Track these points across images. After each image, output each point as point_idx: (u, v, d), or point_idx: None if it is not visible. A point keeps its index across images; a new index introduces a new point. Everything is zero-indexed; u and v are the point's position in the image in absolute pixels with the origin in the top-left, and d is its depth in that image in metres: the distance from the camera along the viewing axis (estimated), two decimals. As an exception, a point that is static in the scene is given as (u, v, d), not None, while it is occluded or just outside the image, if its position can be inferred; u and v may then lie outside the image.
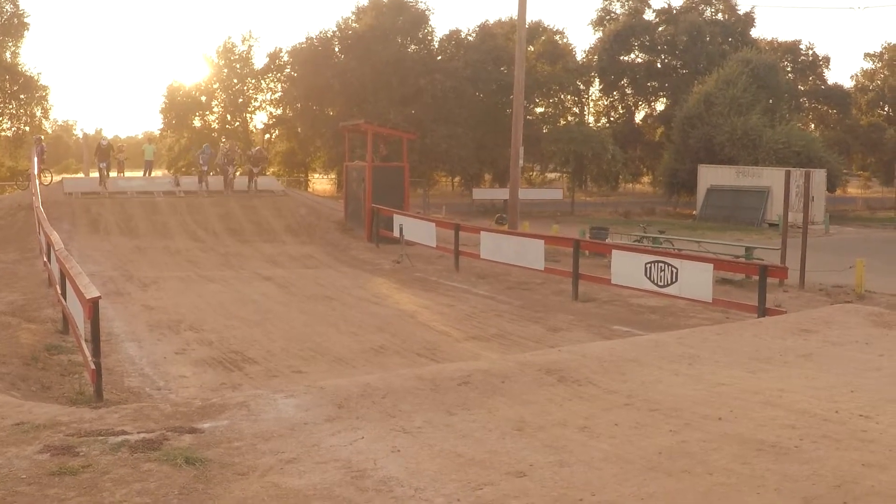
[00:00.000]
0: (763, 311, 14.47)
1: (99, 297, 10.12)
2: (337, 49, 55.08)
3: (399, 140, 33.05)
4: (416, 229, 25.43)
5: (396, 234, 26.17)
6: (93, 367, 9.81)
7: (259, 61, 58.15)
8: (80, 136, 75.26)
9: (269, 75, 57.55)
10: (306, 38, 55.86)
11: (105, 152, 33.86)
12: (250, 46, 57.21)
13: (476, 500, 5.24)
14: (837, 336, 9.88)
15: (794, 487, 5.45)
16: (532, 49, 57.04)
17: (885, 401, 7.31)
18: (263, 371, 12.09)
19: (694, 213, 48.79)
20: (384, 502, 5.24)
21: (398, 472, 5.69)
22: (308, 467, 5.79)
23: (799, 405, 7.21)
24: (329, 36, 55.24)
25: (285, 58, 56.61)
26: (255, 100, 58.37)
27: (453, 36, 57.61)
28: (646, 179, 64.12)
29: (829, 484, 5.51)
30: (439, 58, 56.13)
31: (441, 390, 7.72)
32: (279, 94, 57.38)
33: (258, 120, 59.91)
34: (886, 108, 67.85)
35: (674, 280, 16.21)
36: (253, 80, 57.42)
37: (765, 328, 10.62)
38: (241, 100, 57.21)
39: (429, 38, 56.53)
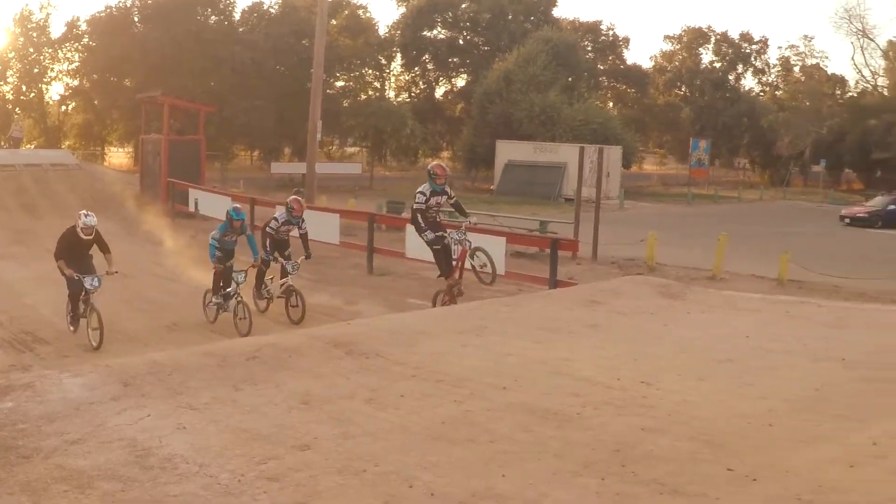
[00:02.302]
0: (554, 283, 14.76)
1: None
2: (136, 18, 52.89)
3: (197, 112, 32.07)
4: (212, 203, 24.68)
5: (192, 208, 25.35)
6: None
7: (57, 30, 55.01)
8: None
9: (67, 45, 54.53)
10: (105, 7, 53.26)
11: None
12: (48, 14, 54.00)
13: (260, 474, 5.09)
14: (625, 307, 10.11)
15: (574, 453, 5.50)
16: (335, 23, 56.41)
17: (666, 368, 7.51)
18: (55, 351, 11.47)
19: (492, 187, 49.62)
20: (168, 480, 5.02)
21: (183, 450, 5.45)
22: (93, 447, 5.48)
23: (583, 373, 7.29)
24: (128, 5, 52.92)
25: (83, 27, 53.77)
26: (52, 70, 55.18)
27: (255, 8, 56.34)
28: (445, 154, 64.68)
29: (609, 448, 5.59)
30: (241, 30, 54.81)
31: (229, 366, 7.43)
32: (76, 64, 54.55)
33: (54, 91, 56.77)
34: (683, 88, 70.84)
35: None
36: (49, 50, 54.24)
37: (554, 299, 10.78)
38: (36, 70, 53.98)
39: (230, 9, 55.13)
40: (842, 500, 4.73)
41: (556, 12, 66.17)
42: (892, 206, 39.52)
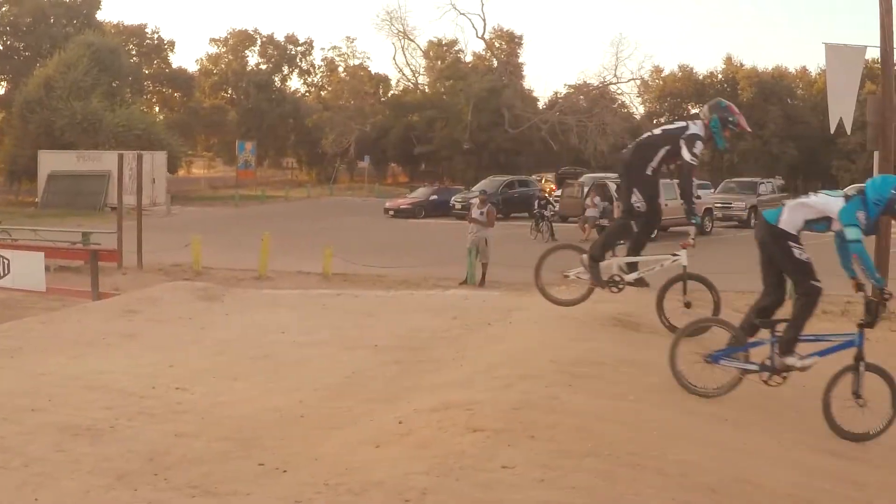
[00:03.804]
0: (97, 295, 14.25)
1: None
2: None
3: None
4: None
5: None
6: None
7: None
8: None
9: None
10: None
11: None
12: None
13: None
14: (162, 314, 10.03)
15: (108, 466, 5.44)
16: None
17: (202, 372, 7.58)
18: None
19: (36, 200, 46.68)
20: None
21: None
22: None
23: (118, 385, 7.17)
24: None
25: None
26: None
27: None
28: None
29: (143, 458, 5.59)
30: None
31: None
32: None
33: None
34: (230, 91, 71.00)
35: (6, 272, 15.40)
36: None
37: (90, 312, 10.43)
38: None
39: None
40: (366, 478, 4.99)
41: (100, 15, 63.55)
42: (434, 197, 42.32)
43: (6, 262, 15.49)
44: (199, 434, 6.01)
